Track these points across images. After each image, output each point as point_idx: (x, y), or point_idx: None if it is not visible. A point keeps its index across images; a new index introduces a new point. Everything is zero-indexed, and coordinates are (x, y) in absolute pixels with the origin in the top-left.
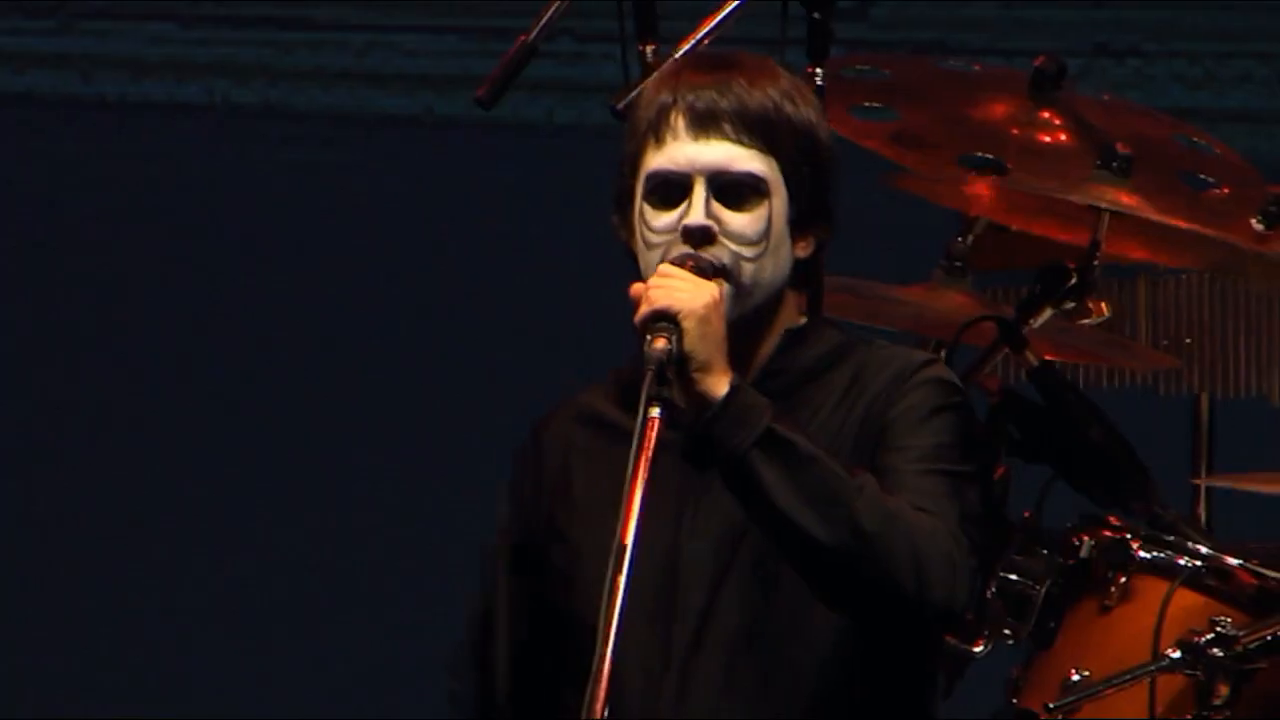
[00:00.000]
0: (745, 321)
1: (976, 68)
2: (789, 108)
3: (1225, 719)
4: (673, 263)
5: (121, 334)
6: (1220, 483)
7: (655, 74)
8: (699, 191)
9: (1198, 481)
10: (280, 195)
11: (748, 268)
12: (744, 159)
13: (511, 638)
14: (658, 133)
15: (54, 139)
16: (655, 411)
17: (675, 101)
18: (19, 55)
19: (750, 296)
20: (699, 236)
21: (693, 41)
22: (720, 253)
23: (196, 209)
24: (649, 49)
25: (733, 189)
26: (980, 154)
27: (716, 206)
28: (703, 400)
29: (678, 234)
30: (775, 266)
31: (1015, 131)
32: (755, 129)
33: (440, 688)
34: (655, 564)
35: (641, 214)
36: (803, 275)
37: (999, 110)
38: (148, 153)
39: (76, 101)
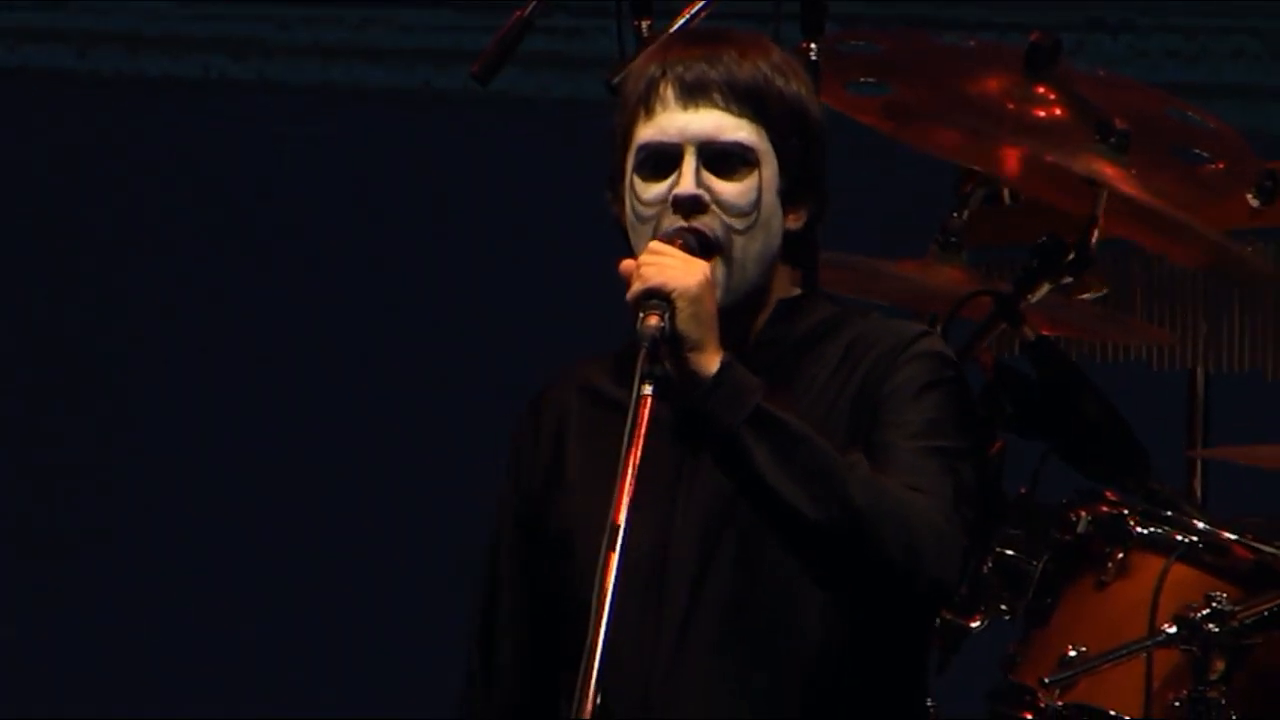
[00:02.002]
0: (738, 295)
1: (972, 43)
2: (779, 80)
3: (1221, 694)
4: (663, 239)
5: (118, 311)
6: (1216, 455)
7: (645, 49)
8: (689, 161)
9: (1193, 454)
10: (276, 170)
11: (738, 240)
12: (734, 128)
13: (514, 607)
14: (647, 104)
15: (49, 115)
16: (648, 389)
17: (665, 73)
18: (14, 30)
19: (743, 271)
20: (689, 205)
21: (688, 15)
22: (712, 223)
23: (192, 184)
24: (644, 24)
25: (723, 158)
26: (976, 129)
27: (707, 176)
28: (694, 378)
29: (668, 205)
30: (766, 238)
31: (1010, 106)
32: (745, 99)
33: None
34: (646, 541)
35: (632, 186)
36: (794, 248)
37: (994, 85)
38: (144, 128)
39: (72, 77)
